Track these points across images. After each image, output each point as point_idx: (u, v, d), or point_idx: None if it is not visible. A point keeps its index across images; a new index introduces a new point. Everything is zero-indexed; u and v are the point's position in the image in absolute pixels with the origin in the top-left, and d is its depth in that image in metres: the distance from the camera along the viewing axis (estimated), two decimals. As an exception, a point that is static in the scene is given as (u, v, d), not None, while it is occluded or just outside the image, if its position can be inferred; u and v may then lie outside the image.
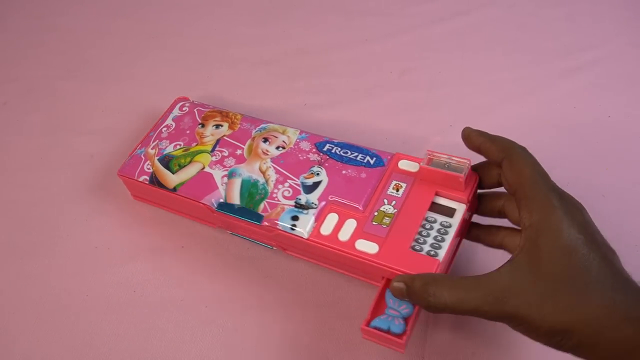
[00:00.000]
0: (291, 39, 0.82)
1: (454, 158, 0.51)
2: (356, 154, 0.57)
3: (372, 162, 0.56)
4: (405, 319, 0.47)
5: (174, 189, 0.57)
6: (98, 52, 0.84)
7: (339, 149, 0.57)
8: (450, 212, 0.51)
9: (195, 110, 0.64)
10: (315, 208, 0.53)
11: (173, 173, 0.58)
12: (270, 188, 0.55)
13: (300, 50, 0.80)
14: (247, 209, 0.54)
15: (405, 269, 0.47)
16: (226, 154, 0.59)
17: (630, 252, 0.55)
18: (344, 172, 0.55)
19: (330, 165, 0.56)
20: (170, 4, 0.90)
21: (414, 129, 0.68)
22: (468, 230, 0.53)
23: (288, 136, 0.59)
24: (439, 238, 0.50)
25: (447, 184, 0.51)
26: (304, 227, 0.52)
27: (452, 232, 0.50)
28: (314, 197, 0.54)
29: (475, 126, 0.49)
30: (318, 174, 0.55)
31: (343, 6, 0.84)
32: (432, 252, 0.49)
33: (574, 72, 0.73)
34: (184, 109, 0.65)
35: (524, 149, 0.46)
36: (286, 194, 0.54)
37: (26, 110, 0.77)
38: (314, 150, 0.57)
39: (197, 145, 0.60)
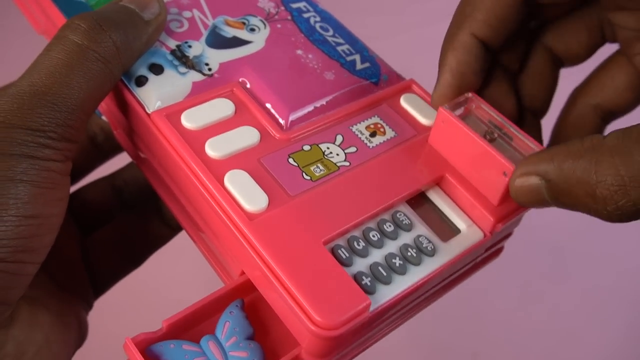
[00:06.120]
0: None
1: (516, 132, 0.23)
2: (341, 41, 0.29)
3: (359, 67, 0.28)
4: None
5: None
6: None
7: (318, 19, 0.29)
8: (446, 230, 0.24)
9: None
10: (204, 75, 0.25)
11: None
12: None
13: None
14: (88, 10, 0.26)
15: (286, 274, 0.20)
16: None
17: None
18: (298, 52, 0.27)
19: (284, 31, 0.28)
20: None
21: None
22: None
23: (251, -42, 0.31)
24: (396, 264, 0.22)
25: (473, 174, 0.24)
26: (158, 92, 0.24)
27: (429, 269, 0.22)
28: (216, 57, 0.26)
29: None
30: (252, 30, 0.27)
31: (344, 4, 0.84)
32: (367, 282, 0.21)
33: (575, 71, 0.54)
34: None
35: None
36: (175, 26, 0.26)
37: None
38: (276, -3, 0.29)
39: None
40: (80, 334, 0.26)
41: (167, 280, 0.50)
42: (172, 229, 0.31)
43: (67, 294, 0.26)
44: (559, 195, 0.20)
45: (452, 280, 0.25)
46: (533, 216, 0.64)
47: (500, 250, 0.27)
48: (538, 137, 0.27)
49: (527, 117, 0.27)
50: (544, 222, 0.59)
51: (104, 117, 0.28)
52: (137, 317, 0.42)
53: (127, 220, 0.31)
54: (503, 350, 0.52)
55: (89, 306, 0.28)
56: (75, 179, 0.31)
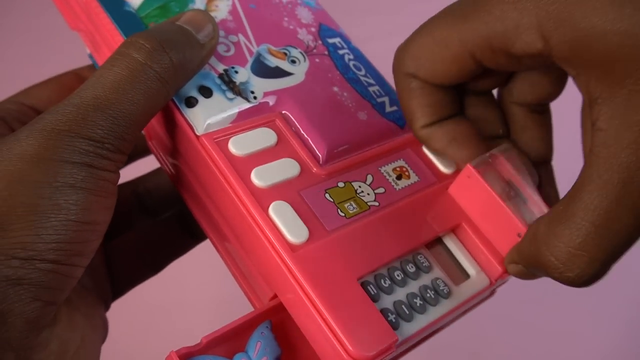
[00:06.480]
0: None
1: (532, 195, 0.26)
2: (372, 82, 0.31)
3: (388, 109, 0.30)
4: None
5: None
6: None
7: (352, 57, 0.31)
8: (458, 274, 0.26)
9: None
10: (249, 102, 0.27)
11: None
12: (204, 25, 0.28)
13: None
14: (137, 21, 0.27)
15: (325, 305, 0.22)
16: None
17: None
18: (335, 89, 0.29)
19: (322, 66, 0.29)
20: None
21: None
22: None
23: (290, -13, 0.33)
24: (417, 304, 0.24)
25: (488, 227, 0.26)
26: (208, 115, 0.25)
27: (444, 310, 0.25)
28: (260, 86, 0.27)
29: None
30: (293, 62, 0.29)
31: (344, 4, 0.82)
32: (392, 318, 0.23)
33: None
34: None
35: None
36: (222, 50, 0.28)
37: None
38: (314, 30, 0.31)
39: None
40: (104, 334, 0.27)
41: (179, 286, 0.50)
42: (194, 238, 0.32)
43: (91, 296, 0.27)
44: (536, 273, 0.24)
45: (456, 317, 0.27)
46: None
47: (494, 292, 0.30)
48: (551, 182, 0.29)
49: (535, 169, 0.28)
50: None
51: None
52: (145, 320, 0.43)
53: (150, 227, 0.32)
54: (503, 350, 0.52)
55: (107, 307, 0.29)
56: None
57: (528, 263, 0.24)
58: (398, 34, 0.79)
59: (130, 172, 0.33)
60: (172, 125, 0.26)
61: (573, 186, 0.22)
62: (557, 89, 0.27)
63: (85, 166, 0.22)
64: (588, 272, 0.21)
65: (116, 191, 0.24)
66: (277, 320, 0.25)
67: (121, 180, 0.33)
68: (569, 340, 0.57)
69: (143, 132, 0.29)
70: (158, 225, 0.32)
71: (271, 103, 0.27)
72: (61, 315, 0.23)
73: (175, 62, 0.24)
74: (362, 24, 0.78)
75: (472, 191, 0.26)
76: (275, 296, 0.24)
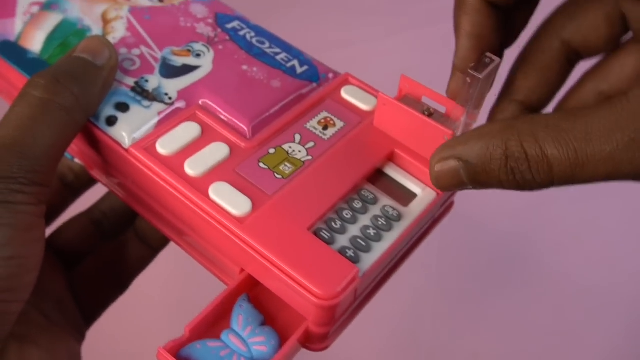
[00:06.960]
0: (290, 37, 0.77)
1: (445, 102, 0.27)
2: (278, 51, 0.32)
3: (299, 70, 0.31)
4: (254, 366, 0.23)
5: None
6: None
7: (253, 34, 0.32)
8: (405, 196, 0.27)
9: None
10: (166, 104, 0.28)
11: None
12: (105, 49, 0.29)
13: (299, 48, 0.73)
14: (43, 64, 0.28)
15: (284, 261, 0.23)
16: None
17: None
18: (244, 67, 0.30)
19: (226, 51, 0.31)
20: None
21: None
22: None
23: (177, -12, 0.34)
24: (372, 234, 0.25)
25: (418, 146, 0.28)
26: (130, 127, 0.26)
27: (399, 231, 0.26)
28: (172, 86, 0.28)
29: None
30: (198, 56, 0.30)
31: (343, 4, 0.81)
32: (351, 253, 0.24)
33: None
34: None
35: None
36: (128, 65, 0.29)
37: None
38: (211, 21, 0.32)
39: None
40: None
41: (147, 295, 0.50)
42: (152, 248, 0.33)
43: (58, 328, 0.28)
44: (475, 174, 0.22)
45: (421, 235, 0.29)
46: (533, 216, 0.63)
47: (452, 204, 0.31)
48: None
49: (515, 110, 0.26)
50: (544, 222, 0.61)
51: (76, 160, 0.30)
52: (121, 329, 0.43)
53: (108, 248, 0.33)
54: (503, 350, 0.52)
55: (82, 336, 0.30)
56: (51, 218, 0.32)
57: (481, 157, 0.21)
58: (395, 34, 0.74)
59: (86, 202, 0.34)
60: (102, 148, 0.27)
61: (579, 108, 0.20)
62: (607, 42, 0.25)
63: (0, 203, 0.23)
64: (536, 182, 0.21)
65: (42, 223, 0.25)
66: (254, 294, 0.26)
67: (77, 210, 0.34)
68: (568, 340, 0.57)
69: (82, 163, 0.30)
70: (116, 244, 0.33)
71: (187, 98, 0.28)
72: (8, 352, 0.24)
73: (74, 91, 0.25)
74: (360, 24, 0.78)
75: (393, 116, 0.27)
76: (242, 270, 0.25)
